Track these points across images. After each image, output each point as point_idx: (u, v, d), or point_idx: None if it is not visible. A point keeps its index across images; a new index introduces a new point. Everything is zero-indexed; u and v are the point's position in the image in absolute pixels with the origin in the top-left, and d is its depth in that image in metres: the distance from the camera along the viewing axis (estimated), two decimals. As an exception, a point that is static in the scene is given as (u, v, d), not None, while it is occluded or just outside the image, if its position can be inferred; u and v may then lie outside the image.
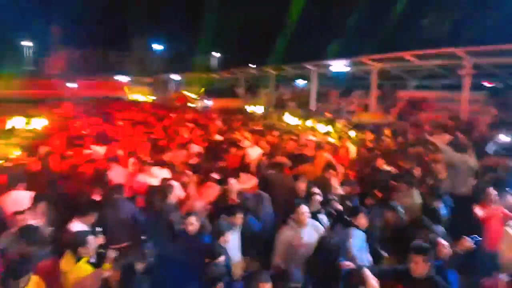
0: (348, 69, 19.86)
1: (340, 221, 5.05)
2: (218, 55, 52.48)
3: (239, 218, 4.75)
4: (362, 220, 4.59)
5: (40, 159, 7.29)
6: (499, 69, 15.10)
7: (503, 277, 3.78)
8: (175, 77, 40.50)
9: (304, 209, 4.49)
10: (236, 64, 33.46)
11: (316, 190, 5.47)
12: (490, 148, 9.48)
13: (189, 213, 4.70)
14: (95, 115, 17.44)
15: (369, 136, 11.02)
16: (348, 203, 5.84)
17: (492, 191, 5.27)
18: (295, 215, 4.50)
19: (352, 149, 9.55)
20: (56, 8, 43.87)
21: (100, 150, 8.71)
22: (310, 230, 4.50)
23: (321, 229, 4.63)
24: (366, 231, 4.60)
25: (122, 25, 45.27)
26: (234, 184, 5.75)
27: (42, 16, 40.86)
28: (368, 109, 18.77)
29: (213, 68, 47.91)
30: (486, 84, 18.03)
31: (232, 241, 4.51)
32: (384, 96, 19.92)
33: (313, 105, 22.34)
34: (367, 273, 3.40)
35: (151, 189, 5.78)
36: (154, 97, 41.00)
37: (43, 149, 8.13)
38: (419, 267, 3.48)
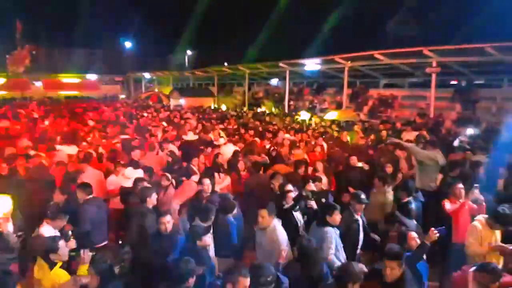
0: (320, 67, 20.14)
1: (315, 219, 5.12)
2: (191, 53, 51.81)
3: (212, 219, 4.73)
4: (337, 217, 4.64)
5: (6, 162, 6.96)
6: (464, 67, 15.73)
7: (471, 269, 3.97)
8: (147, 75, 39.79)
9: (263, 213, 4.50)
10: (210, 62, 33.22)
11: (290, 187, 5.52)
12: (457, 143, 9.86)
13: (163, 213, 4.64)
14: (64, 115, 16.88)
15: (343, 133, 11.23)
16: (323, 200, 5.95)
17: (460, 186, 5.49)
18: (258, 218, 4.54)
19: (326, 147, 9.72)
20: (19, 2, 41.97)
21: (69, 150, 8.43)
22: (271, 232, 4.49)
23: (280, 234, 4.53)
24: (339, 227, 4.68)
25: (91, 21, 43.85)
26: (208, 184, 5.70)
27: (3, 12, 38.91)
28: (340, 107, 19.13)
29: (186, 67, 47.29)
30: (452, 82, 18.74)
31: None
32: (356, 94, 20.39)
33: (286, 103, 22.56)
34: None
35: (125, 191, 5.65)
36: (124, 96, 40.12)
37: (9, 151, 7.79)
38: (394, 272, 3.57)
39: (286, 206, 5.24)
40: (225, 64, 29.34)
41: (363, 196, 5.06)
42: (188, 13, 39.80)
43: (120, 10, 46.99)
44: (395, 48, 15.14)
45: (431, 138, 8.47)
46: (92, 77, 43.83)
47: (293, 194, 5.33)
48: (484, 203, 5.36)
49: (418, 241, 4.22)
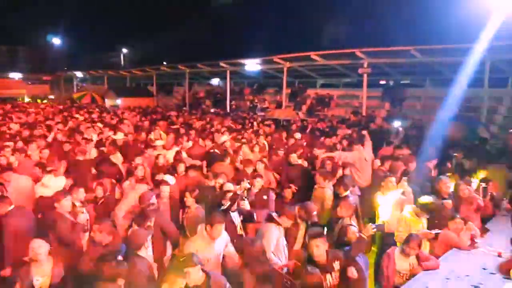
0: (260, 67, 20.43)
1: (250, 220, 5.17)
2: (127, 51, 49.60)
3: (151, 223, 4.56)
4: (286, 221, 4.61)
5: None
6: (392, 68, 16.89)
7: (396, 248, 4.40)
8: (79, 74, 37.41)
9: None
10: (148, 61, 32.05)
11: (229, 187, 5.52)
12: (386, 138, 10.57)
13: (99, 221, 4.38)
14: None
15: (283, 132, 11.50)
16: (265, 197, 6.03)
17: (391, 179, 5.88)
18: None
19: (268, 145, 9.87)
20: None
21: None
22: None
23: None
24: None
25: (14, 15, 40.08)
26: (167, 192, 5.49)
27: None
28: (280, 106, 19.58)
29: (122, 65, 45.22)
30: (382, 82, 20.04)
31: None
32: (295, 93, 21.01)
33: (228, 103, 22.58)
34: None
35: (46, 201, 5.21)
36: (52, 97, 37.26)
37: None
38: (320, 249, 3.77)
39: (224, 207, 5.18)
40: (164, 63, 28.57)
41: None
42: (124, 8, 38.09)
43: (48, 3, 43.58)
44: (331, 49, 15.86)
45: (357, 136, 9.05)
46: (15, 76, 40.13)
47: (231, 195, 5.21)
48: (412, 194, 5.81)
49: (357, 235, 4.43)
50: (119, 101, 26.11)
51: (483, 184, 6.08)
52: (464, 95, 11.49)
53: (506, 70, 14.02)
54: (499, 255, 4.54)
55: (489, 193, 5.94)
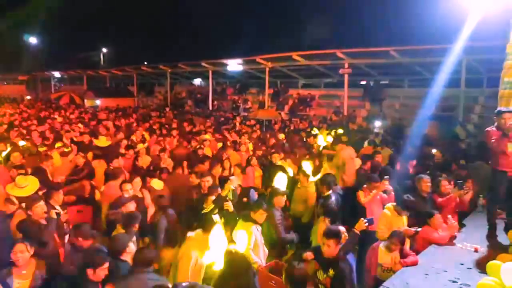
0: (242, 67, 20.41)
1: (231, 221, 5.11)
2: (106, 50, 48.61)
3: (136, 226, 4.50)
4: (262, 216, 4.72)
5: None
6: (371, 68, 17.16)
7: (382, 243, 4.53)
8: (57, 74, 36.51)
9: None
10: (128, 61, 31.52)
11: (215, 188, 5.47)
12: (368, 138, 10.73)
13: (77, 226, 4.29)
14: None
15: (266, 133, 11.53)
16: (244, 198, 6.05)
17: (372, 177, 5.98)
18: None
19: (251, 146, 9.87)
20: None
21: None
22: None
23: None
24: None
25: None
26: (129, 190, 5.34)
27: None
28: (263, 106, 19.62)
29: (102, 65, 44.31)
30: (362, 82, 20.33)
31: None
32: (277, 93, 21.09)
33: (210, 103, 22.47)
34: None
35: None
36: (29, 97, 36.21)
37: None
38: (331, 249, 3.88)
39: (205, 210, 5.11)
40: (145, 63, 28.17)
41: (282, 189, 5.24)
42: (103, 6, 37.31)
43: (24, 2, 42.15)
44: (312, 50, 15.99)
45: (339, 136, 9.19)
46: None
47: (213, 198, 5.19)
48: (392, 193, 5.92)
49: (345, 232, 4.48)
50: (98, 102, 25.62)
51: (460, 182, 6.25)
52: (441, 95, 11.78)
53: (481, 70, 14.46)
54: (476, 251, 4.67)
55: (466, 190, 6.10)
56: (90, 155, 8.02)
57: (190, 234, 4.17)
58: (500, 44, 6.91)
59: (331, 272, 3.85)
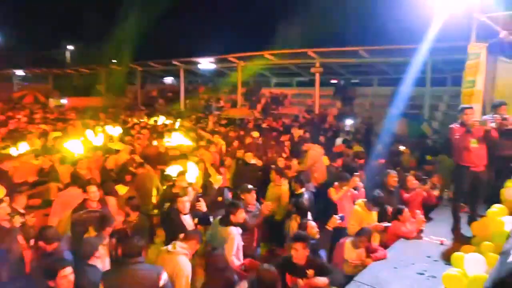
0: (214, 66, 20.26)
1: (206, 222, 5.08)
2: (73, 48, 46.87)
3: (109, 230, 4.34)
4: (241, 215, 4.58)
5: None
6: (342, 68, 17.47)
7: (348, 239, 4.61)
8: (20, 72, 34.91)
9: None
10: (96, 59, 30.49)
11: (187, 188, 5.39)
12: (338, 136, 10.93)
13: (41, 229, 4.06)
14: None
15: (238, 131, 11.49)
16: (219, 198, 5.99)
17: (342, 175, 6.08)
18: None
19: (223, 145, 9.81)
20: None
21: None
22: None
23: None
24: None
25: None
26: (95, 192, 4.99)
27: None
28: (235, 105, 19.56)
29: (68, 63, 42.75)
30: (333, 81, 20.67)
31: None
32: (250, 92, 21.09)
33: (181, 102, 22.17)
34: None
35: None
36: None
37: None
38: (299, 254, 3.78)
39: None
40: (114, 61, 27.40)
41: (250, 186, 5.22)
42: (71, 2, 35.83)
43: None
44: (284, 49, 16.09)
45: (310, 135, 9.30)
46: None
47: (186, 198, 4.94)
48: (363, 189, 6.05)
49: (317, 229, 4.52)
50: (64, 101, 24.69)
51: (427, 177, 6.47)
52: (408, 93, 12.14)
53: (445, 69, 15.03)
54: (442, 243, 4.86)
55: (432, 185, 6.33)
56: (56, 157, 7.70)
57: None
58: (463, 45, 7.22)
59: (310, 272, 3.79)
